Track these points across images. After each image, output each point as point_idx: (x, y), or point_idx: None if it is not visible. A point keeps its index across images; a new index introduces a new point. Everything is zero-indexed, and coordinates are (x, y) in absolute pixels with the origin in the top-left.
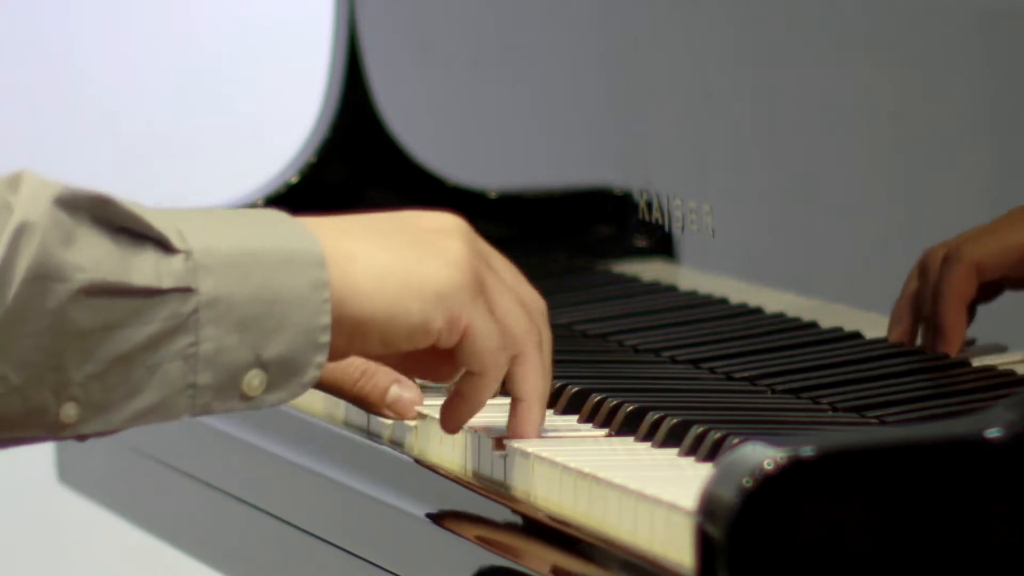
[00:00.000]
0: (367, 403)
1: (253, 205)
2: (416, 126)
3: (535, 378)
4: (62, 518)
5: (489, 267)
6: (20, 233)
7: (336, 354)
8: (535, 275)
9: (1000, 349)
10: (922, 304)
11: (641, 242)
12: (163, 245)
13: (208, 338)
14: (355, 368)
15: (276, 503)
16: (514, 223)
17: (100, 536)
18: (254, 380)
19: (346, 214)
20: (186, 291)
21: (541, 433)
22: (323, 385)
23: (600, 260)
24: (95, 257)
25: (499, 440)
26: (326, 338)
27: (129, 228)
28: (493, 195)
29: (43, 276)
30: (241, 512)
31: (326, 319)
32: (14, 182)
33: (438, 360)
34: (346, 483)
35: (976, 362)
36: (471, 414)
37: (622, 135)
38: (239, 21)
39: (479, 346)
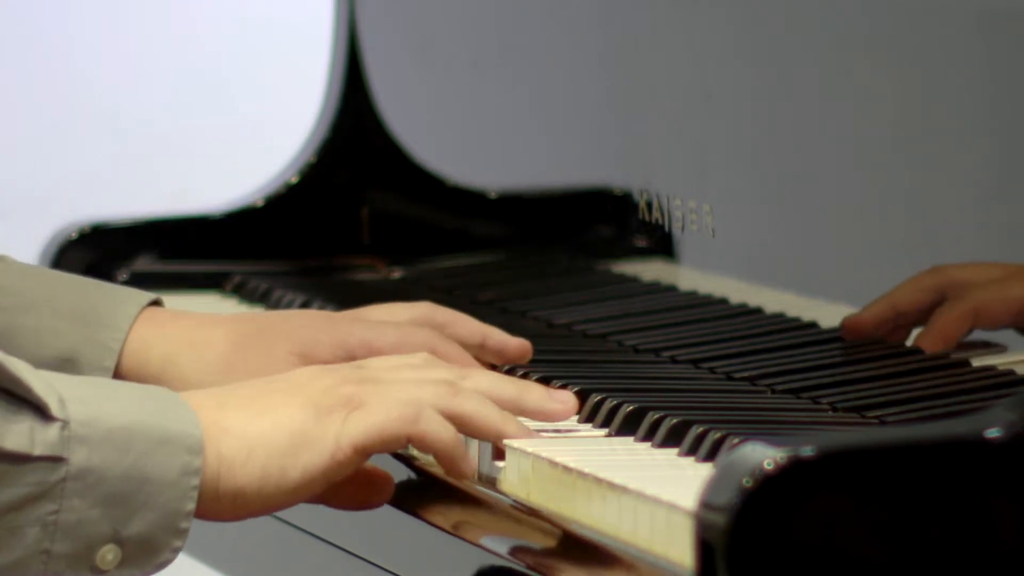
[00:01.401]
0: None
1: (253, 206)
2: (416, 126)
3: (480, 416)
4: None
5: (358, 368)
6: None
7: (224, 520)
8: (535, 275)
9: (1000, 349)
10: (907, 311)
11: (641, 242)
12: (41, 411)
13: (70, 508)
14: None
15: None
16: (514, 223)
17: None
18: (108, 555)
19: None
20: (56, 460)
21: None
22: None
23: (600, 260)
24: None
25: (499, 442)
26: (187, 524)
27: (9, 390)
28: (493, 195)
29: None
30: None
31: (190, 505)
32: None
33: (357, 489)
34: None
35: (976, 362)
36: (457, 452)
37: (622, 135)
38: (239, 21)
39: (379, 434)
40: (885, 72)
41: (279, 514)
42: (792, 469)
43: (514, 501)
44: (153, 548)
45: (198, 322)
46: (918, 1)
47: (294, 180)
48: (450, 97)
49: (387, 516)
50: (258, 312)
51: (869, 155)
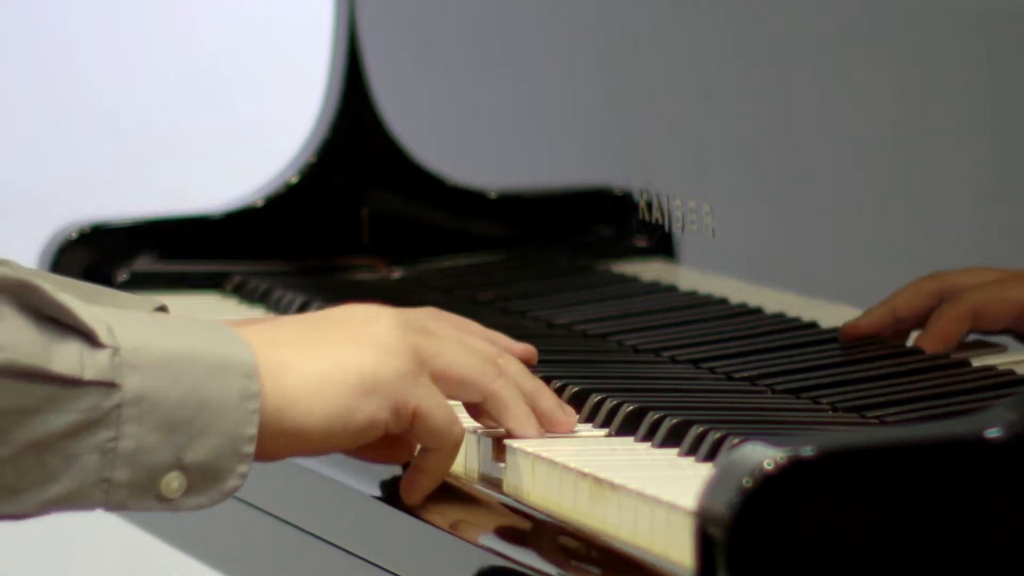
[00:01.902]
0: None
1: (253, 206)
2: (416, 126)
3: (512, 410)
4: (62, 518)
5: (426, 333)
6: None
7: (277, 458)
8: (535, 275)
9: (1000, 349)
10: (906, 316)
11: (641, 242)
12: (90, 338)
13: (129, 435)
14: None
15: (276, 503)
16: (514, 223)
17: (100, 536)
18: (173, 483)
19: (275, 318)
20: (109, 385)
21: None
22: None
23: (600, 260)
24: (16, 339)
25: (499, 442)
26: (250, 448)
27: (55, 318)
28: (493, 195)
29: None
30: (241, 512)
31: (252, 429)
32: None
33: (390, 444)
34: (346, 483)
35: (976, 362)
36: (433, 486)
37: (622, 135)
38: (239, 21)
39: (432, 424)
40: (885, 72)
41: (278, 514)
42: (792, 469)
43: (514, 501)
44: (218, 474)
45: None
46: (918, 1)
47: (294, 180)
48: (450, 97)
49: (387, 516)
50: (258, 316)
51: (869, 155)
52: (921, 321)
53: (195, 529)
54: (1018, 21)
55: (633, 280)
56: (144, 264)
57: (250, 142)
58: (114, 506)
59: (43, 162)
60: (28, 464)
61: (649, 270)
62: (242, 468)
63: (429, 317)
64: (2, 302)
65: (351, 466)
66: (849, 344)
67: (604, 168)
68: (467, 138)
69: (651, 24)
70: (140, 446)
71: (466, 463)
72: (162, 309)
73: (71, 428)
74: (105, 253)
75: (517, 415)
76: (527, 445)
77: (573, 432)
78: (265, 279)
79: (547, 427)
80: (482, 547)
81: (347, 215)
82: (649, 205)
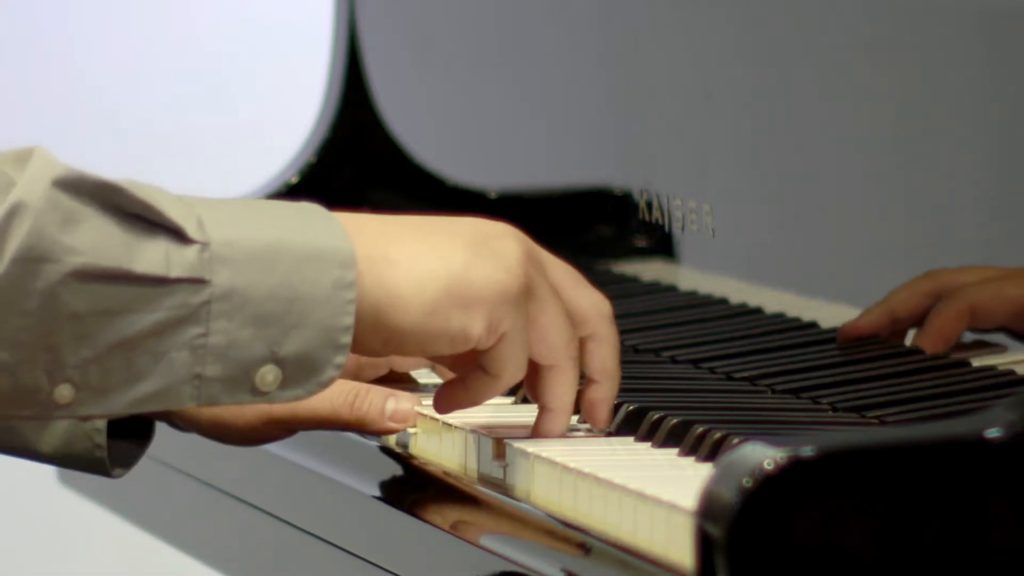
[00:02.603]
0: (366, 423)
1: None
2: (416, 126)
3: (565, 391)
4: (62, 518)
5: (543, 274)
6: (14, 213)
7: (372, 355)
8: None
9: (1000, 349)
10: (904, 316)
11: (641, 242)
12: (178, 234)
13: (219, 331)
14: (347, 393)
15: (276, 503)
16: (514, 223)
17: (100, 536)
18: (268, 375)
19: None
20: (198, 282)
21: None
22: (318, 421)
23: (600, 260)
24: (95, 241)
25: (499, 442)
26: (347, 339)
27: (142, 216)
28: (493, 195)
29: (34, 257)
30: (241, 512)
31: (348, 320)
32: (23, 158)
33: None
34: (345, 483)
35: (976, 362)
36: (468, 405)
37: (622, 135)
38: (239, 21)
39: (506, 353)
40: (885, 72)
41: (278, 514)
42: (792, 469)
43: (514, 501)
44: (314, 366)
45: None
46: (918, 1)
47: (294, 180)
48: (450, 97)
49: (387, 516)
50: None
51: (869, 155)
52: (919, 320)
53: (195, 529)
54: (1018, 21)
55: (633, 280)
56: None
57: (250, 142)
58: (206, 401)
59: None
60: (115, 364)
61: (649, 270)
62: (339, 359)
63: (552, 261)
64: (83, 204)
65: (351, 465)
66: (849, 344)
67: (604, 168)
68: (467, 138)
69: (651, 24)
70: (232, 341)
71: (466, 463)
72: None
73: (157, 326)
74: None
75: (566, 401)
76: (527, 445)
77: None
78: None
79: (587, 410)
80: (482, 547)
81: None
82: (649, 205)
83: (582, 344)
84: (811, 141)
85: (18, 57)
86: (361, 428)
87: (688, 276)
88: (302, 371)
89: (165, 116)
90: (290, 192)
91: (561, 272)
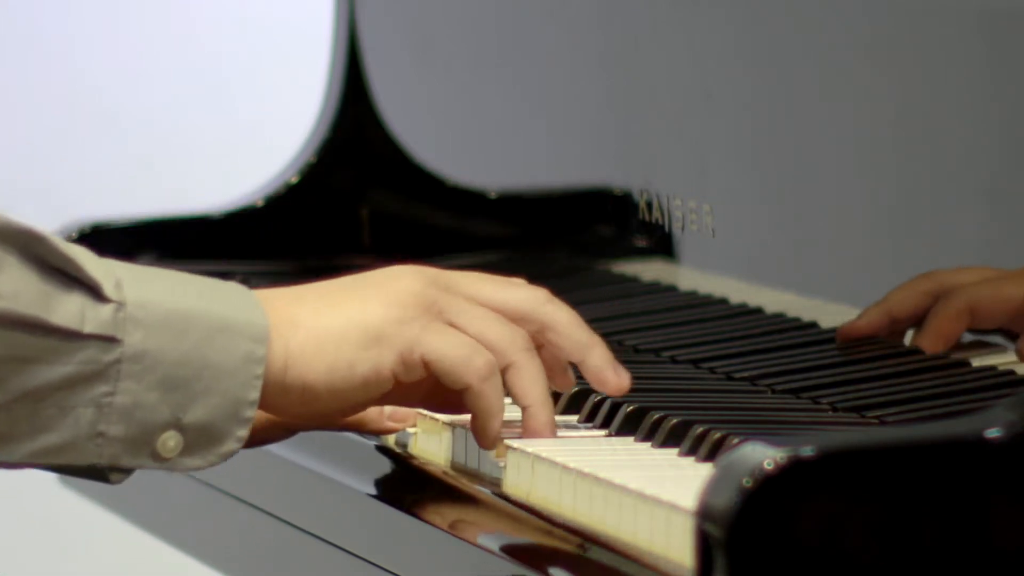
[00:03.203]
0: (365, 423)
1: (253, 205)
2: (416, 126)
3: (531, 384)
4: (62, 518)
5: (449, 291)
6: None
7: (296, 418)
8: (535, 275)
9: (1000, 349)
10: (903, 316)
11: (641, 242)
12: (95, 291)
13: (126, 391)
14: None
15: (276, 503)
16: (514, 223)
17: (100, 536)
18: (169, 441)
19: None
20: (110, 340)
21: (556, 433)
22: (320, 420)
23: (600, 260)
24: (14, 289)
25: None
26: (250, 413)
27: (62, 269)
28: (493, 195)
29: None
30: (241, 512)
31: (254, 394)
32: None
33: (447, 392)
34: (346, 483)
35: (976, 362)
36: (495, 423)
37: (622, 135)
38: (239, 21)
39: (443, 366)
40: (885, 72)
41: (278, 514)
42: (792, 469)
43: (514, 501)
44: (216, 436)
45: None
46: (918, 1)
47: (294, 180)
48: (450, 97)
49: (387, 516)
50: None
51: (869, 155)
52: (917, 320)
53: (195, 529)
54: (1018, 21)
55: (633, 280)
56: (144, 264)
57: (250, 142)
58: (107, 460)
59: (43, 162)
60: (22, 413)
61: (649, 270)
62: (241, 432)
63: (462, 277)
64: (7, 251)
65: (351, 465)
66: (849, 344)
67: (604, 168)
68: (467, 138)
69: (651, 24)
70: (137, 402)
71: (466, 462)
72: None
73: (67, 380)
74: (105, 253)
75: (537, 393)
76: (527, 445)
77: (623, 390)
78: (265, 279)
79: (595, 385)
80: (481, 547)
81: (347, 215)
82: (649, 205)
83: (541, 335)
84: (811, 141)
85: (18, 57)
86: (360, 428)
87: (688, 276)
88: (204, 440)
89: (165, 116)
90: (290, 192)
91: (476, 282)
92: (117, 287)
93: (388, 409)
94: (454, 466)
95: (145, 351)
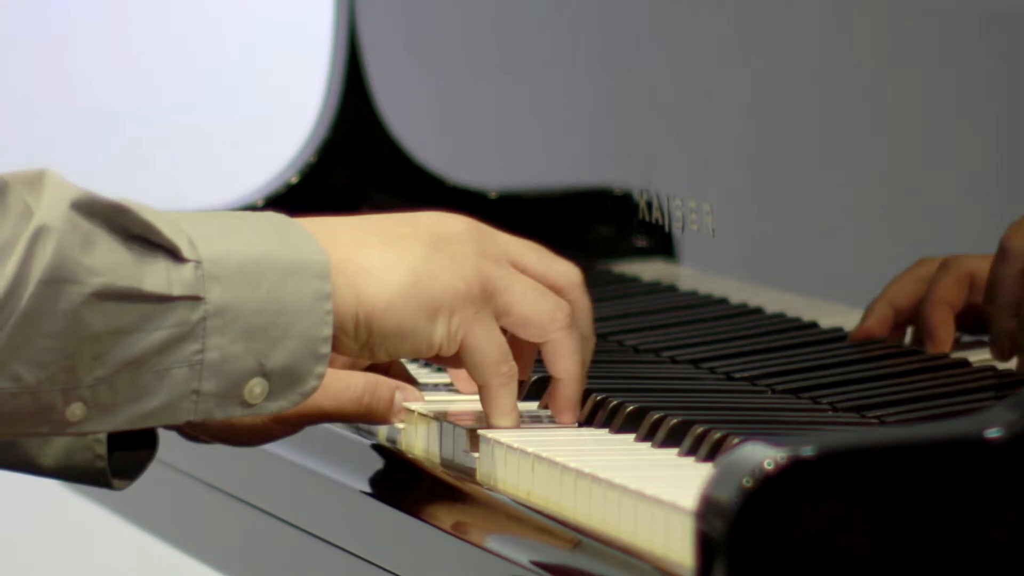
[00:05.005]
0: (374, 416)
1: (253, 205)
2: (416, 126)
3: (566, 360)
4: (62, 518)
5: (502, 264)
6: (38, 237)
7: (348, 356)
8: None
9: None
10: (905, 304)
11: (641, 242)
12: (174, 254)
13: (214, 346)
14: (357, 386)
15: (276, 503)
16: (514, 223)
17: (101, 536)
18: (256, 388)
19: (353, 215)
20: (194, 299)
21: (579, 412)
22: (324, 414)
23: (600, 260)
24: (109, 262)
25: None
26: (327, 349)
27: (143, 236)
28: (493, 195)
29: (58, 279)
30: (241, 512)
31: (327, 330)
32: (36, 183)
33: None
34: (346, 483)
35: (976, 362)
36: (505, 425)
37: (622, 135)
38: (240, 21)
39: (474, 359)
40: (885, 72)
41: (278, 514)
42: (792, 469)
43: (513, 500)
44: (298, 377)
45: None
46: (918, 1)
47: (294, 180)
48: (450, 97)
49: (387, 516)
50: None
51: (869, 155)
52: (920, 306)
53: (195, 529)
54: (1018, 21)
55: (633, 280)
56: None
57: (250, 142)
58: (201, 415)
59: (43, 162)
60: (122, 382)
61: (649, 270)
62: (319, 369)
63: (510, 244)
64: (96, 225)
65: (352, 465)
66: (849, 344)
67: (604, 168)
68: (467, 138)
69: (651, 24)
70: (225, 356)
71: (466, 462)
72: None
73: (162, 344)
74: None
75: (571, 367)
76: (527, 445)
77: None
78: None
79: (552, 399)
80: (481, 546)
81: (347, 215)
82: (649, 205)
83: None
84: (811, 141)
85: (18, 57)
86: (369, 420)
87: (688, 276)
88: (287, 382)
89: (165, 116)
90: (290, 192)
91: (524, 250)
92: (191, 246)
93: (397, 404)
94: (444, 462)
95: (225, 304)
